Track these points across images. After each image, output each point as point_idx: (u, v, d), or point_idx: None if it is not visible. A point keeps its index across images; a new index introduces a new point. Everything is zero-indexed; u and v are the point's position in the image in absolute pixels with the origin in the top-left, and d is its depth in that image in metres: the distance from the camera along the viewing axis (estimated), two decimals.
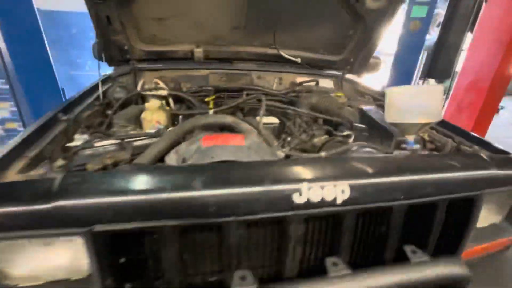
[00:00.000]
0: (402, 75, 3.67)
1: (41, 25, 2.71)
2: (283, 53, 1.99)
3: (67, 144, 1.00)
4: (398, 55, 3.63)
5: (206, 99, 1.77)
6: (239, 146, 0.97)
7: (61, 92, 2.89)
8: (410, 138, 1.17)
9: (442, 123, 1.38)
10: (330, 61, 2.15)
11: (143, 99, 1.62)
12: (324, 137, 1.33)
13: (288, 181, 0.76)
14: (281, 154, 1.03)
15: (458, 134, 1.32)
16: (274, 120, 1.31)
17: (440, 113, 1.13)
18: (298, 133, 1.36)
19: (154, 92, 1.56)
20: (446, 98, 3.73)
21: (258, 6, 1.70)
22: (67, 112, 1.22)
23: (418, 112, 1.08)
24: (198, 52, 1.87)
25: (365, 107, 1.59)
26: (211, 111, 1.40)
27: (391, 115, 1.15)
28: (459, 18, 2.43)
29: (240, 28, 1.82)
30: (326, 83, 2.18)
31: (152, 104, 1.35)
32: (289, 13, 1.81)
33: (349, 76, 2.24)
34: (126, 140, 1.05)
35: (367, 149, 1.12)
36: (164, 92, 1.57)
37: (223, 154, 0.92)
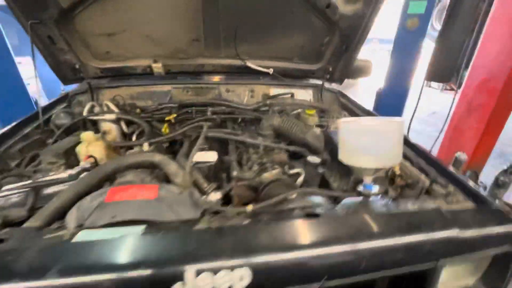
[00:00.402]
0: (399, 77, 3.33)
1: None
2: (251, 64, 1.81)
3: None
4: (395, 55, 3.28)
5: (167, 118, 1.65)
6: (147, 201, 0.83)
7: (34, 105, 2.82)
8: (368, 180, 0.98)
9: (421, 154, 1.18)
10: (307, 71, 1.94)
11: (95, 124, 1.52)
12: (275, 172, 1.16)
13: (169, 263, 0.61)
14: (202, 207, 0.88)
15: (435, 167, 1.11)
16: (212, 156, 1.15)
17: (400, 155, 0.93)
18: (246, 167, 1.20)
19: (100, 117, 1.44)
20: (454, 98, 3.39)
21: (215, 17, 1.53)
22: None
23: (372, 154, 0.89)
24: (157, 67, 1.73)
25: (332, 130, 1.40)
26: (145, 146, 1.26)
27: (343, 155, 0.97)
28: (464, 12, 2.13)
29: (200, 41, 1.66)
30: (304, 94, 1.99)
31: (87, 135, 1.23)
32: (252, 22, 1.63)
33: (333, 85, 2.03)
34: (37, 186, 0.94)
35: (313, 197, 0.95)
36: (112, 116, 1.45)
37: (126, 212, 0.79)
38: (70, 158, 1.20)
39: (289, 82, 1.91)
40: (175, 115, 1.68)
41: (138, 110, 1.60)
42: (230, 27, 1.60)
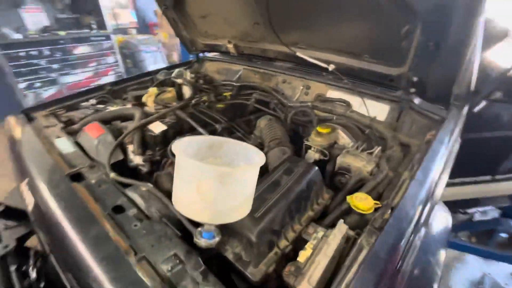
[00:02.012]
0: None
1: None
2: (302, 54, 1.53)
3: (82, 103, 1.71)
4: None
5: (224, 93, 1.89)
6: (91, 138, 1.20)
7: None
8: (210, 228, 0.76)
9: None
10: (382, 75, 1.33)
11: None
12: None
13: None
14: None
15: None
16: (157, 129, 1.26)
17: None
18: None
19: (176, 80, 1.94)
20: None
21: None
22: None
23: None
24: (230, 47, 1.92)
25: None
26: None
27: (178, 203, 0.73)
28: None
29: (260, 24, 1.63)
30: (375, 108, 1.42)
31: (152, 89, 1.76)
32: (306, 3, 1.34)
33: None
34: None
35: None
36: (180, 80, 1.91)
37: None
38: (138, 100, 1.80)
39: (351, 86, 1.42)
40: (230, 93, 1.88)
41: (201, 82, 1.94)
42: (293, 9, 1.42)
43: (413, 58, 1.13)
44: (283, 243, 0.83)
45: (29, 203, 0.94)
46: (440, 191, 1.10)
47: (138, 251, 0.71)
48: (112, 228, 0.77)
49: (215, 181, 0.60)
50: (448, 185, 1.75)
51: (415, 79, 1.19)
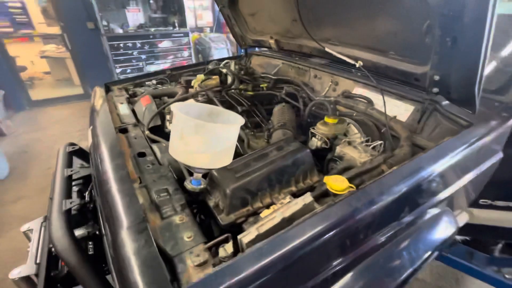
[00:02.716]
0: None
1: None
2: (331, 50, 1.56)
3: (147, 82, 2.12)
4: None
5: (261, 85, 2.08)
6: (141, 106, 1.53)
7: None
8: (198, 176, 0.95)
9: None
10: (408, 74, 1.29)
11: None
12: None
13: None
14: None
15: None
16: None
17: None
18: None
19: (222, 70, 2.21)
20: None
21: None
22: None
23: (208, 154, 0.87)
24: (272, 42, 2.07)
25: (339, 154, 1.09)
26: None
27: (173, 150, 0.92)
28: None
29: (298, 21, 1.73)
30: (400, 107, 1.38)
31: (199, 76, 2.06)
32: (336, 2, 1.39)
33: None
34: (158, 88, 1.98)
35: None
36: (224, 70, 2.16)
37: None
38: (188, 83, 2.13)
39: (375, 84, 1.41)
40: (266, 84, 2.05)
41: (242, 73, 2.15)
42: (313, 7, 1.51)
43: (434, 55, 1.08)
44: (257, 204, 0.95)
45: (89, 142, 1.31)
46: (445, 196, 1.04)
47: (142, 181, 0.95)
48: (131, 164, 1.03)
49: (191, 130, 0.77)
50: (491, 207, 1.54)
51: (436, 77, 1.13)
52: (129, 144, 1.19)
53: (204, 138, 0.78)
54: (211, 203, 0.95)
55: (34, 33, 5.79)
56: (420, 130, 1.27)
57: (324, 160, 1.27)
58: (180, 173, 1.05)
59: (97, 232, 1.25)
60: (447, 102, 1.22)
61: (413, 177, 0.90)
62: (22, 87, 5.24)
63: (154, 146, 1.19)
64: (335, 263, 0.78)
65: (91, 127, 1.38)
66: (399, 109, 1.38)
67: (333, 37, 1.61)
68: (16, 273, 1.16)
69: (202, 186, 0.93)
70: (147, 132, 1.31)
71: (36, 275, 1.16)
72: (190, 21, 5.86)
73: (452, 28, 0.94)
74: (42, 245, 1.27)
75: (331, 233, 0.73)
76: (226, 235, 0.75)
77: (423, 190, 0.94)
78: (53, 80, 6.86)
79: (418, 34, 1.12)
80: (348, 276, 0.80)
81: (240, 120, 0.91)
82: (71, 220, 1.02)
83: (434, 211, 1.02)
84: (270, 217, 0.82)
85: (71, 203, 1.07)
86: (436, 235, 0.99)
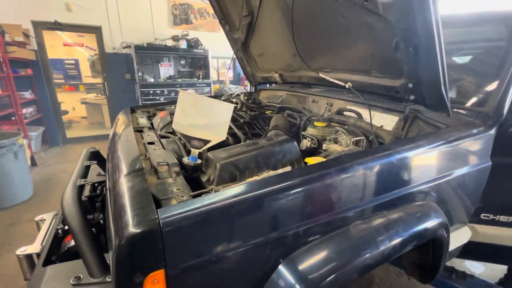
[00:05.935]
0: None
1: None
2: (325, 75, 1.79)
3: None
4: None
5: (266, 112, 2.32)
6: (158, 118, 1.77)
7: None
8: (195, 152, 1.10)
9: None
10: (390, 87, 1.45)
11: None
12: None
13: None
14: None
15: None
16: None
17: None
18: None
19: (232, 99, 2.50)
20: None
21: (298, 36, 1.85)
22: None
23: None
24: (276, 76, 2.38)
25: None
26: None
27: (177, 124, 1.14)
28: None
29: (297, 55, 2.03)
30: (386, 119, 1.52)
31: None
32: (321, 36, 1.69)
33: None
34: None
35: None
36: (234, 100, 2.45)
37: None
38: None
39: (363, 101, 1.57)
40: (270, 111, 2.28)
41: (250, 101, 2.42)
42: (307, 43, 1.81)
43: (404, 65, 1.26)
44: (244, 180, 1.05)
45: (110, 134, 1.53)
46: (424, 186, 1.08)
47: (147, 156, 1.10)
48: (142, 148, 1.20)
49: (191, 103, 0.95)
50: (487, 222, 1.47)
51: (410, 85, 1.28)
52: (141, 137, 1.38)
53: (201, 110, 0.95)
54: (204, 179, 1.07)
55: (80, 83, 6.80)
56: (404, 136, 1.37)
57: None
58: (180, 155, 1.20)
59: (101, 221, 1.36)
60: (426, 109, 1.34)
61: (384, 158, 0.98)
62: (60, 127, 5.91)
63: (163, 140, 1.37)
64: (299, 223, 0.82)
65: (113, 129, 1.62)
66: (385, 121, 1.51)
67: (326, 65, 1.86)
68: (22, 250, 1.27)
69: (197, 162, 1.06)
70: (159, 132, 1.51)
71: (38, 255, 1.25)
72: (213, 75, 6.67)
73: (411, 38, 1.13)
74: (50, 231, 1.39)
75: (296, 189, 0.80)
76: (210, 187, 0.85)
77: (397, 172, 1.01)
78: (88, 123, 7.68)
79: (390, 51, 1.33)
80: (316, 242, 0.84)
81: (230, 105, 1.08)
82: (82, 192, 1.16)
83: (415, 200, 1.05)
84: (249, 180, 0.92)
85: (85, 181, 1.22)
86: (413, 224, 1.00)
